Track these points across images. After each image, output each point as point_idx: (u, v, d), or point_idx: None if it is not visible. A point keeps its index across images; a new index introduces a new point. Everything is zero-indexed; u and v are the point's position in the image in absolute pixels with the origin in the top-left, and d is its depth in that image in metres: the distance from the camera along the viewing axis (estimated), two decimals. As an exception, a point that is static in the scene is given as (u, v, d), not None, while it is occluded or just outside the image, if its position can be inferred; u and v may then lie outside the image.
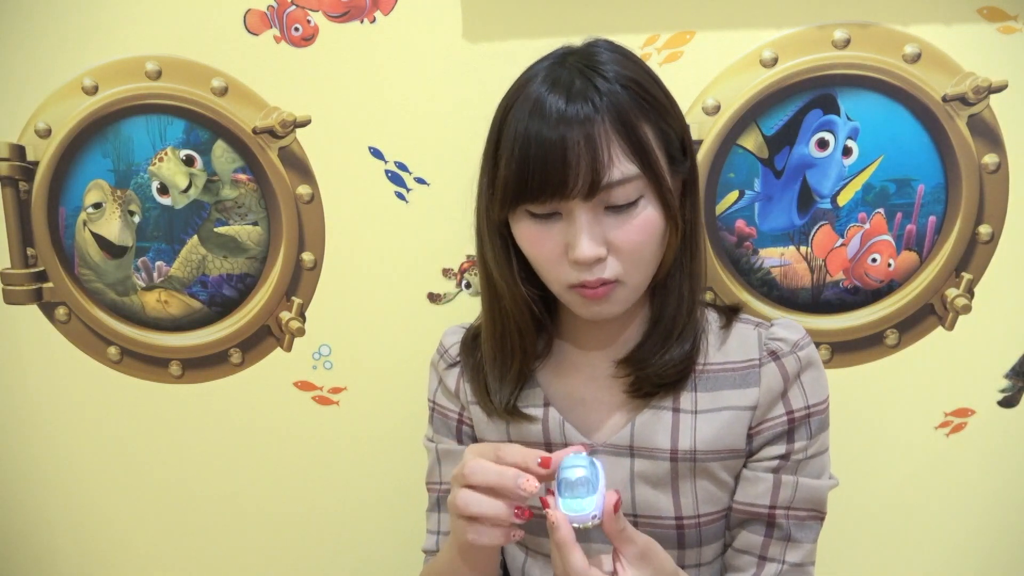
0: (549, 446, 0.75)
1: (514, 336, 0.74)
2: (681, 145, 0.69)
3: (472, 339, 0.81)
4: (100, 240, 1.05)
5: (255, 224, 1.03)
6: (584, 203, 0.63)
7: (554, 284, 0.69)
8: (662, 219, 0.66)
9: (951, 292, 0.94)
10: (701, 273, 0.74)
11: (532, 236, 0.67)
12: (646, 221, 0.65)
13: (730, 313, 0.77)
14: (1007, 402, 0.96)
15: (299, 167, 1.00)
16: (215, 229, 1.03)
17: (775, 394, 0.71)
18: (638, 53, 0.74)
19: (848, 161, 0.92)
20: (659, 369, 0.71)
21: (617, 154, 0.62)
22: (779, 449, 0.72)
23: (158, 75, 1.00)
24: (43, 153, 1.03)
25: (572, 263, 0.65)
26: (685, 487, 0.72)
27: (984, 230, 0.92)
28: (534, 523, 0.76)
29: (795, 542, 0.72)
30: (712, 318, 0.77)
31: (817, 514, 0.73)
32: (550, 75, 0.64)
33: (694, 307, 0.73)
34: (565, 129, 0.61)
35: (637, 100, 0.64)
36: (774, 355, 0.72)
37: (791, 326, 0.74)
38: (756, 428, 0.72)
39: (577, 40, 0.70)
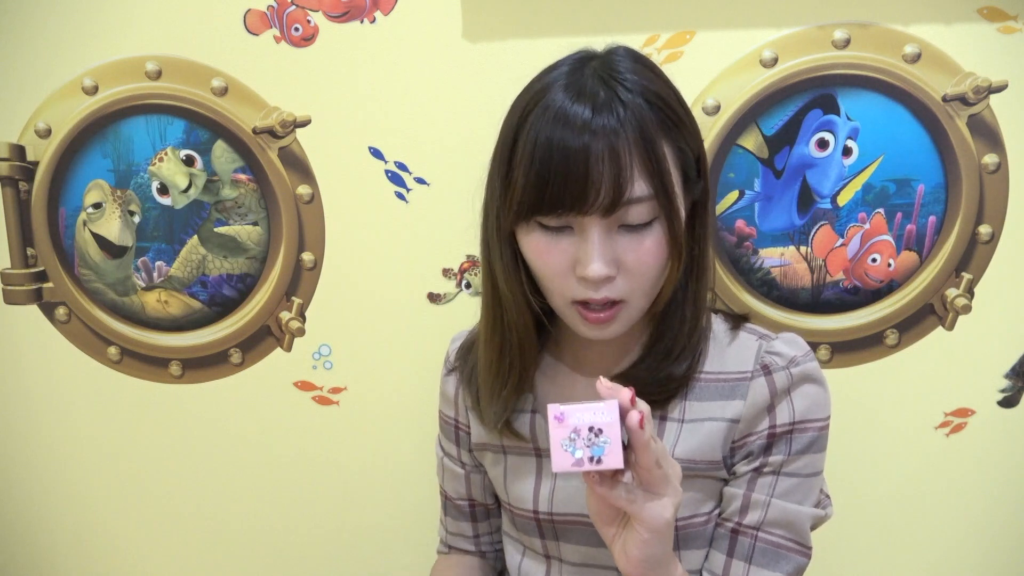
0: (537, 452, 0.74)
1: (515, 351, 0.70)
2: (696, 164, 0.66)
3: (470, 345, 0.79)
4: (100, 240, 1.05)
5: (255, 224, 1.03)
6: (600, 220, 0.60)
7: (557, 298, 0.66)
8: (668, 244, 0.63)
9: (951, 292, 0.94)
10: (705, 295, 0.71)
11: (540, 248, 0.64)
12: (657, 243, 0.62)
13: (737, 321, 0.74)
14: (1007, 402, 0.96)
15: (299, 167, 1.00)
16: (215, 229, 1.03)
17: (760, 409, 0.68)
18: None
19: (848, 161, 0.92)
20: (653, 386, 0.69)
21: (638, 172, 0.59)
22: (755, 463, 0.68)
23: (158, 75, 1.00)
24: (43, 153, 1.03)
25: (579, 279, 0.63)
26: None
27: (984, 230, 0.92)
28: (527, 524, 0.76)
29: (758, 567, 0.67)
30: (717, 325, 0.74)
31: (794, 544, 0.68)
32: (572, 83, 0.61)
33: (695, 330, 0.70)
34: (590, 140, 0.58)
35: (659, 116, 0.61)
36: (766, 369, 0.69)
37: (794, 342, 0.71)
38: (739, 441, 0.69)
39: (580, 41, 0.70)
